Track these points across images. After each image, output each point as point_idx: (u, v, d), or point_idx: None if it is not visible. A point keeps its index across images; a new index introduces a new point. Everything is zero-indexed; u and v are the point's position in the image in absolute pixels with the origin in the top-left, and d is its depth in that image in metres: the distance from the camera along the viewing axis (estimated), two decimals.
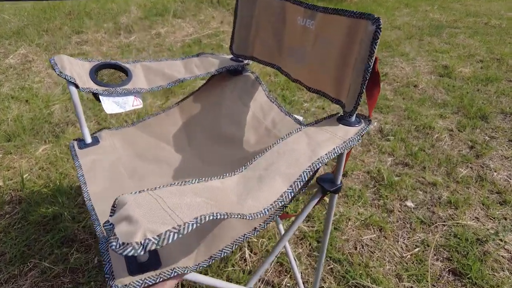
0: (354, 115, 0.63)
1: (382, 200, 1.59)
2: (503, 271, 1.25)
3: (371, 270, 1.26)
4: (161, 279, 0.45)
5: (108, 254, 0.47)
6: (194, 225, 0.37)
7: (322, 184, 0.66)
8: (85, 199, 0.64)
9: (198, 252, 0.53)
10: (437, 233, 1.41)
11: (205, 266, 0.52)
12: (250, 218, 0.43)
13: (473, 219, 1.47)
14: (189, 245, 0.53)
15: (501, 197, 1.59)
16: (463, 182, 1.68)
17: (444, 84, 2.76)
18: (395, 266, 1.28)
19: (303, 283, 1.24)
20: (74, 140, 0.88)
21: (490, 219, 1.48)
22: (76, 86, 0.82)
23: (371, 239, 1.40)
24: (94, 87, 0.86)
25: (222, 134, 0.90)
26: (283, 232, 0.86)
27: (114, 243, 0.34)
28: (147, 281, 0.44)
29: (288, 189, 0.49)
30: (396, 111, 2.38)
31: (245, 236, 0.57)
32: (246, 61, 1.06)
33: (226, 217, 0.40)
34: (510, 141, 2.01)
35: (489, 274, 1.23)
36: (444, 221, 1.47)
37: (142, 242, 0.34)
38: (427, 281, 1.21)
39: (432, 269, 1.26)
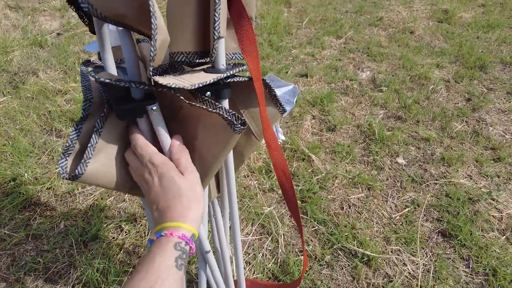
0: (220, 62, 0.52)
1: (372, 157, 1.50)
2: (493, 231, 1.20)
3: (358, 232, 1.19)
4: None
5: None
6: None
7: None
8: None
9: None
10: (429, 192, 1.34)
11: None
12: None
13: (466, 177, 1.40)
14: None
15: (495, 153, 1.52)
16: (458, 137, 1.59)
17: (443, 31, 2.57)
18: (383, 227, 1.21)
19: (285, 245, 1.17)
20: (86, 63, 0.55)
21: (483, 177, 1.41)
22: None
23: (358, 199, 1.32)
24: None
25: None
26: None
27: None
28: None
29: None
30: (390, 59, 2.21)
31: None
32: None
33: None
34: (508, 94, 1.89)
35: (479, 235, 1.18)
36: (436, 180, 1.39)
37: None
38: (415, 244, 1.15)
39: (421, 230, 1.20)
